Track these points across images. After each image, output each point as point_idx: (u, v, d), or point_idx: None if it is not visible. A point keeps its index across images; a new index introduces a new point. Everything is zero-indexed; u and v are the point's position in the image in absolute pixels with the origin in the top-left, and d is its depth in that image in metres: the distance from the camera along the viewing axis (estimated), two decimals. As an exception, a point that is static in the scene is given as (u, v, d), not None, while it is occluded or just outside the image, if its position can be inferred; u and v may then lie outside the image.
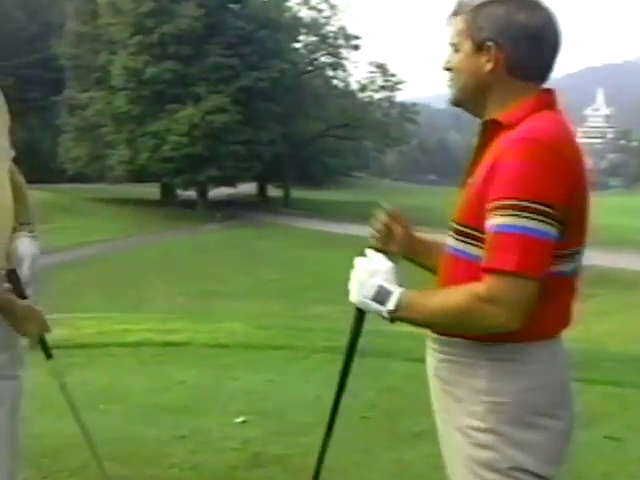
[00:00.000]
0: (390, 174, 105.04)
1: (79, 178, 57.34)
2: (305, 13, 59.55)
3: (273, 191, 61.56)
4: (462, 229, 1.94)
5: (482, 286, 1.80)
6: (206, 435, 4.78)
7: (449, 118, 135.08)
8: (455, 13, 2.05)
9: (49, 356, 2.62)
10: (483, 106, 2.01)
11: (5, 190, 2.55)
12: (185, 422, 5.01)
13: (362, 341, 2.26)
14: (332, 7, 58.89)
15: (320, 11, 59.14)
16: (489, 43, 1.95)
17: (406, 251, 2.32)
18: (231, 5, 51.41)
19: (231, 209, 52.95)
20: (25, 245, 2.68)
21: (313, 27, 58.97)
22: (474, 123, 2.07)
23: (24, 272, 2.63)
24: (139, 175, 51.51)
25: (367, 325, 2.19)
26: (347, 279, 2.07)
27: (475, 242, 1.89)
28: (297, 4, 59.25)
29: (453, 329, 1.94)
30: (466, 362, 1.95)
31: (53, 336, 7.79)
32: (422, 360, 2.13)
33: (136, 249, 38.62)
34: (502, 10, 1.94)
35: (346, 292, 2.03)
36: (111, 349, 7.10)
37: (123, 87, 48.14)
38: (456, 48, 2.03)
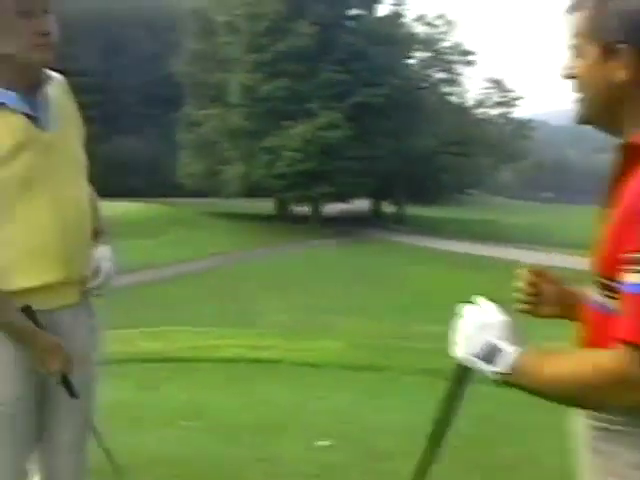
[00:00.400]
0: (504, 191, 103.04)
1: (197, 193, 58.69)
2: (420, 29, 59.29)
3: (387, 207, 61.32)
4: (601, 280, 1.59)
5: (616, 360, 1.46)
6: (286, 458, 4.58)
7: (568, 135, 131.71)
8: (573, 9, 1.65)
9: (72, 395, 2.46)
10: (618, 123, 1.62)
11: (83, 195, 2.58)
12: (266, 443, 4.83)
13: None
14: (448, 23, 58.44)
15: (435, 27, 58.73)
16: (621, 46, 1.56)
17: (560, 310, 1.94)
18: (346, 22, 51.63)
19: (344, 225, 53.00)
20: (103, 255, 2.65)
21: (428, 43, 58.59)
22: (595, 140, 1.70)
23: (97, 283, 2.59)
24: (254, 190, 52.20)
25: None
26: (453, 297, 1.75)
27: (612, 293, 1.54)
28: (413, 20, 59.08)
29: (577, 406, 1.63)
30: (626, 431, 1.59)
31: (147, 348, 7.85)
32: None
33: (249, 263, 39.03)
34: (635, 3, 1.55)
35: (452, 311, 1.71)
36: (201, 364, 7.01)
37: (238, 104, 48.96)
38: (577, 52, 1.64)
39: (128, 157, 69.94)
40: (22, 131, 2.37)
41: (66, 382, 2.47)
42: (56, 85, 2.56)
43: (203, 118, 52.59)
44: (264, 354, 7.43)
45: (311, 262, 39.15)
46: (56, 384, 2.46)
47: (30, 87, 2.42)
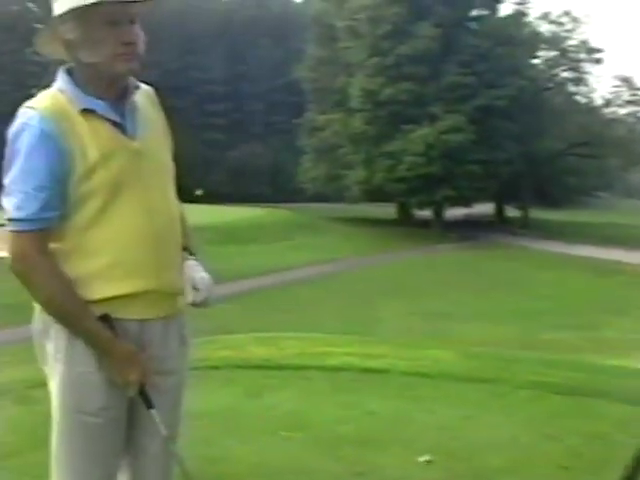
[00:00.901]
0: (636, 194, 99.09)
1: (319, 197, 59.25)
2: (545, 28, 57.79)
3: (511, 211, 60.09)
4: None
5: None
6: (385, 474, 4.43)
7: None
8: None
9: (149, 407, 2.42)
10: None
11: (173, 203, 2.57)
12: (366, 457, 4.69)
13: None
14: (574, 20, 56.69)
15: (561, 25, 57.09)
16: None
17: None
18: (468, 23, 50.89)
19: (467, 229, 52.30)
20: (197, 268, 2.62)
21: (553, 42, 57.02)
22: None
23: (200, 298, 2.57)
24: (375, 195, 52.20)
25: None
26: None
27: None
28: (537, 19, 57.68)
29: None
30: None
31: (256, 354, 7.83)
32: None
33: (371, 268, 39.00)
34: None
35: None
36: (308, 372, 6.92)
37: (360, 109, 49.05)
38: None
39: (254, 163, 71.26)
40: (110, 139, 2.37)
41: (143, 393, 2.43)
42: (144, 95, 2.57)
43: (325, 123, 53.03)
44: (373, 363, 7.28)
45: (433, 267, 38.78)
46: (132, 395, 2.43)
47: (118, 96, 2.43)
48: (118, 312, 2.38)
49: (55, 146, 2.28)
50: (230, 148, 72.30)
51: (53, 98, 2.37)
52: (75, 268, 2.35)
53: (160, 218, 2.45)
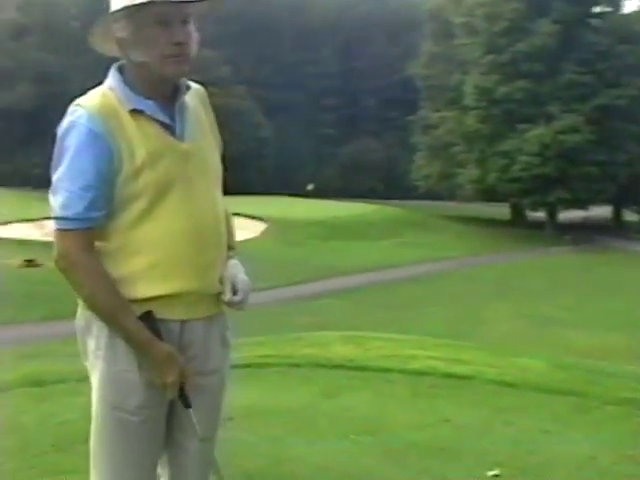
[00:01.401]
0: None
1: (431, 195, 58.89)
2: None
3: (630, 215, 58.05)
4: None
5: None
6: (450, 486, 4.28)
7: None
8: None
9: (187, 406, 2.41)
10: None
11: (219, 205, 2.56)
12: (432, 467, 4.54)
13: None
14: None
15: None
16: None
17: None
18: (589, 20, 49.37)
19: (582, 232, 50.80)
20: (238, 269, 2.59)
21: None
22: None
23: (238, 299, 2.53)
24: (488, 194, 51.47)
25: None
26: None
27: None
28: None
29: None
30: None
31: (339, 354, 7.76)
32: None
33: (481, 268, 38.37)
34: None
35: None
36: (390, 375, 6.79)
37: (474, 106, 48.38)
38: None
39: (366, 159, 71.34)
40: (158, 139, 2.37)
41: (181, 393, 2.43)
42: (195, 95, 2.55)
43: (439, 121, 52.58)
44: (458, 368, 7.09)
45: (545, 270, 37.82)
46: (171, 396, 2.42)
47: (167, 97, 2.42)
48: (160, 312, 2.38)
49: (103, 145, 2.29)
50: (343, 144, 72.61)
51: (102, 96, 2.36)
52: (118, 268, 2.36)
53: (204, 220, 2.44)
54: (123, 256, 2.36)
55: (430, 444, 4.96)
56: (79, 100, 2.36)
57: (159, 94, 2.40)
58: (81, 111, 2.32)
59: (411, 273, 34.92)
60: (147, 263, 2.36)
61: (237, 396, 6.08)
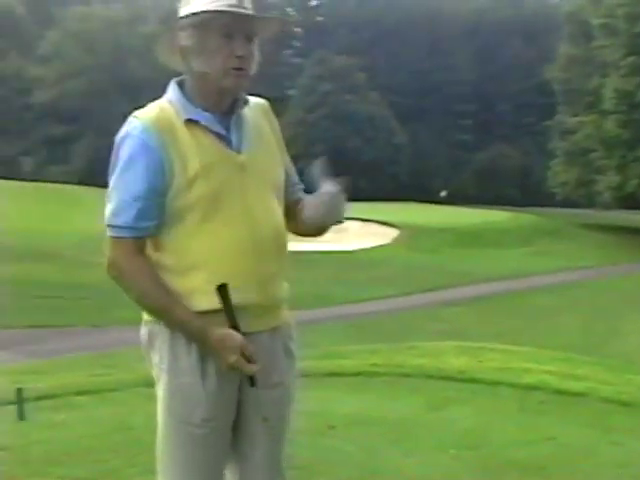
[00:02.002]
0: None
1: (568, 203, 57.25)
2: None
3: None
4: None
5: None
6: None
7: None
8: None
9: (253, 384, 2.42)
10: None
11: (278, 217, 2.54)
12: (530, 486, 4.45)
13: None
14: None
15: None
16: None
17: None
18: None
19: None
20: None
21: None
22: None
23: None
24: (628, 202, 49.57)
25: None
26: None
27: None
28: None
29: None
30: None
31: (451, 365, 7.68)
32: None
33: (619, 278, 37.00)
34: None
35: None
36: (500, 388, 6.69)
37: (614, 111, 46.64)
38: None
39: (501, 165, 70.14)
40: (213, 150, 2.40)
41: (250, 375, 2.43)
42: (256, 108, 2.57)
43: (577, 126, 51.01)
44: (572, 384, 6.89)
45: (688, 282, 36.10)
46: (237, 374, 2.42)
47: (226, 110, 2.46)
48: (222, 325, 2.39)
49: (155, 157, 2.34)
50: (477, 150, 71.62)
51: (160, 109, 2.42)
52: (177, 282, 2.39)
53: (262, 231, 2.43)
54: (181, 270, 2.39)
55: (531, 462, 4.86)
56: (137, 112, 2.43)
57: (217, 106, 2.43)
58: (136, 123, 2.38)
59: (545, 282, 34.07)
60: (205, 277, 2.37)
61: (342, 404, 6.17)
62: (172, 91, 2.47)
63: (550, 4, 74.94)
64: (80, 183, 57.32)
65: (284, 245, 2.55)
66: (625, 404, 6.31)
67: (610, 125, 47.11)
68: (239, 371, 2.39)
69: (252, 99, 2.57)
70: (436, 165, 68.85)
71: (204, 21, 2.35)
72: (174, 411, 2.45)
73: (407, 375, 7.10)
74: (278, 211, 2.54)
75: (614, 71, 46.69)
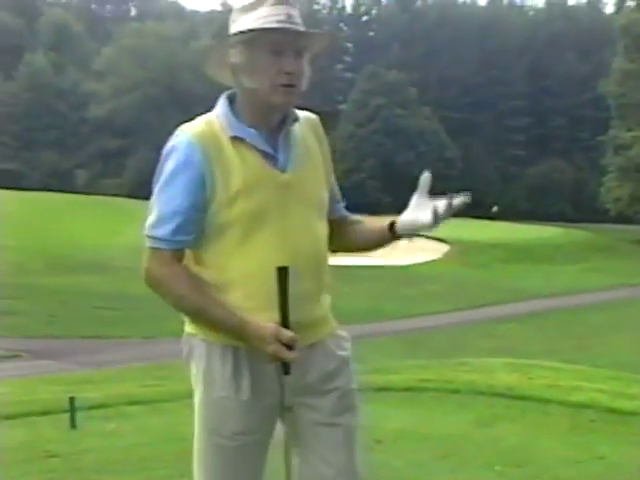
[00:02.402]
0: None
1: (621, 218, 56.45)
2: None
3: None
4: None
5: None
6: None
7: None
8: None
9: (286, 373, 2.40)
10: None
11: (319, 237, 2.52)
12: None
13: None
14: None
15: None
16: None
17: None
18: None
19: None
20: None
21: None
22: None
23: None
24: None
25: None
26: None
27: None
28: None
29: None
30: None
31: (501, 381, 7.62)
32: None
33: (672, 296, 36.36)
34: None
35: None
36: (550, 406, 6.62)
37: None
38: None
39: (554, 180, 69.48)
40: (257, 168, 2.39)
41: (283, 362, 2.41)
42: (306, 124, 2.56)
43: (631, 140, 50.34)
44: (623, 403, 6.79)
45: None
46: (273, 363, 2.40)
47: (274, 126, 2.46)
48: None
49: (197, 173, 2.35)
50: (530, 164, 71.02)
51: (207, 123, 2.43)
52: (218, 292, 2.40)
53: (301, 252, 2.43)
54: (219, 286, 2.40)
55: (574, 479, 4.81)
56: (184, 125, 2.44)
57: (265, 123, 2.43)
58: (182, 137, 2.39)
59: (598, 299, 33.59)
60: (242, 295, 2.39)
61: (390, 419, 6.17)
62: (221, 106, 2.47)
63: (604, 18, 74.07)
64: (131, 196, 58.15)
65: (323, 265, 2.53)
66: (678, 424, 6.20)
67: (665, 140, 46.47)
68: (280, 360, 2.36)
69: (302, 114, 2.56)
70: (488, 180, 68.40)
71: (253, 38, 2.35)
72: (207, 423, 2.47)
73: (456, 391, 7.07)
74: (320, 230, 2.52)
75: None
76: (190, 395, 6.96)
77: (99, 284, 26.72)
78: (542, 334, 24.78)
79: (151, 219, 2.42)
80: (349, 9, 79.43)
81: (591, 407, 6.60)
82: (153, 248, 2.42)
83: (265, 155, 2.41)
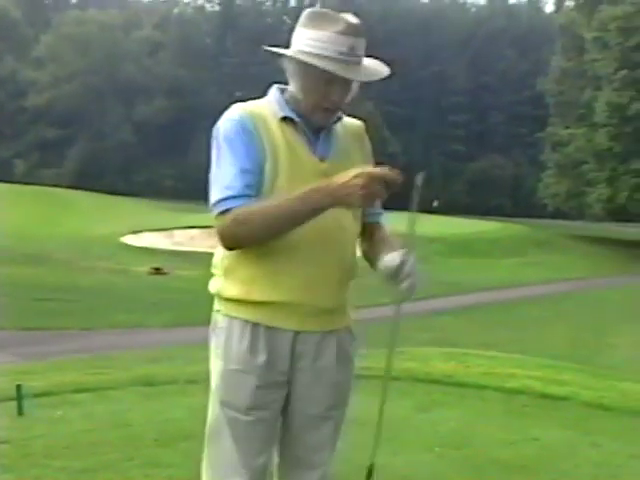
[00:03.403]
0: None
1: (559, 214, 57.57)
2: None
3: None
4: None
5: None
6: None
7: None
8: None
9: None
10: None
11: (350, 227, 2.62)
12: (511, 484, 4.65)
13: None
14: None
15: None
16: None
17: None
18: None
19: None
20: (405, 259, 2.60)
21: None
22: None
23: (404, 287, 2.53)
24: (618, 214, 49.90)
25: None
26: None
27: None
28: None
29: None
30: None
31: (438, 369, 7.83)
32: None
33: (609, 290, 37.16)
34: None
35: None
36: (486, 392, 6.88)
37: (605, 124, 47.01)
38: None
39: (494, 176, 70.60)
40: (300, 151, 2.49)
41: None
42: (349, 128, 2.66)
43: (568, 138, 51.36)
44: (555, 389, 7.09)
45: (679, 294, 36.29)
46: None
47: (314, 129, 2.56)
48: (272, 320, 2.50)
49: (252, 139, 2.44)
50: (470, 160, 72.07)
51: (257, 105, 2.54)
52: (245, 268, 2.50)
53: (327, 237, 2.50)
54: (250, 257, 2.49)
55: (513, 461, 5.05)
56: (236, 104, 2.55)
57: (308, 119, 2.52)
58: (235, 111, 2.50)
59: (535, 293, 34.22)
60: (265, 268, 2.48)
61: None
62: (272, 94, 2.57)
63: (544, 16, 75.43)
64: (71, 186, 57.40)
65: (348, 256, 2.60)
66: (606, 408, 6.51)
67: (601, 138, 47.48)
68: (381, 196, 2.35)
69: (347, 119, 2.64)
70: (428, 175, 68.84)
71: (308, 64, 2.42)
72: (222, 396, 2.58)
73: (397, 378, 7.24)
74: (349, 224, 2.59)
75: (606, 84, 47.12)
76: (133, 383, 7.06)
77: (39, 275, 26.38)
78: (478, 326, 25.17)
79: (219, 187, 2.43)
80: (293, 2, 79.52)
81: (525, 393, 6.87)
82: (227, 210, 2.41)
83: (309, 142, 2.52)
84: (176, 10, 78.98)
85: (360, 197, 2.28)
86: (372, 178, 2.29)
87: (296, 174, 2.45)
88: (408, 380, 7.28)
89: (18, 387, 6.07)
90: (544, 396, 6.78)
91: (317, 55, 2.40)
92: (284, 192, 2.40)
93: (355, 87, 2.54)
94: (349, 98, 2.53)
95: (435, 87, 71.07)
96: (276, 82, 2.62)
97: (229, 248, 2.46)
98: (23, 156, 68.76)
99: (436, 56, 71.58)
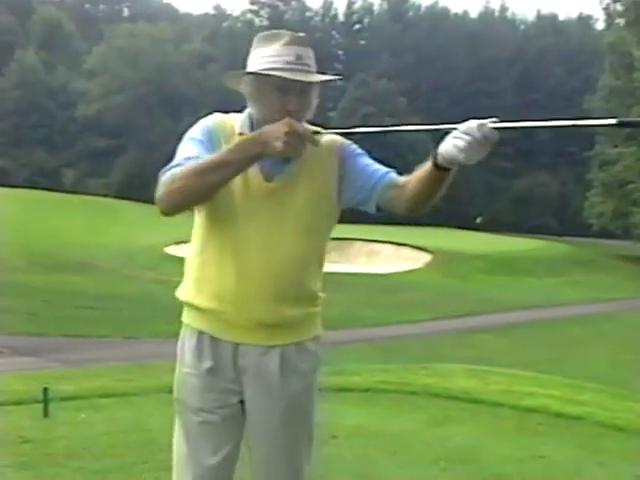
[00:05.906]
0: None
1: (604, 234, 56.87)
2: None
3: None
4: None
5: None
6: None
7: None
8: None
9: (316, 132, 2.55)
10: None
11: (299, 249, 2.66)
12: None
13: None
14: None
15: None
16: None
17: None
18: None
19: None
20: None
21: None
22: None
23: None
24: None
25: None
26: None
27: None
28: None
29: None
30: None
31: (457, 385, 7.96)
32: None
33: (651, 312, 36.71)
34: None
35: None
36: (501, 410, 6.98)
37: (654, 143, 46.48)
38: None
39: (539, 194, 69.93)
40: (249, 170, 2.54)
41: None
42: (323, 146, 2.61)
43: (616, 157, 50.79)
44: (570, 409, 7.14)
45: None
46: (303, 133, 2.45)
47: None
48: (213, 331, 2.65)
49: (212, 145, 2.58)
50: (516, 177, 71.50)
51: (231, 118, 2.71)
52: (193, 270, 2.69)
53: (263, 256, 2.57)
54: (196, 262, 2.68)
55: (515, 477, 5.14)
56: (216, 113, 2.73)
57: None
58: (210, 117, 2.70)
59: (577, 313, 33.86)
60: (196, 274, 2.67)
61: (347, 417, 6.49)
62: (246, 110, 2.70)
63: (594, 34, 74.76)
64: (118, 196, 58.25)
65: (289, 277, 2.61)
66: (619, 429, 6.55)
67: (652, 156, 46.93)
68: (301, 143, 2.42)
69: (325, 138, 2.61)
70: (473, 191, 68.79)
71: (261, 76, 2.55)
72: (178, 396, 2.77)
73: (414, 393, 7.39)
74: (297, 244, 2.61)
75: (654, 103, 46.59)
76: (159, 390, 7.27)
77: (83, 283, 26.88)
78: (518, 345, 25.02)
79: (166, 169, 2.55)
80: (341, 17, 79.87)
81: (540, 411, 6.94)
82: (162, 175, 2.51)
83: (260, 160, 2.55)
84: (225, 24, 79.77)
85: (283, 144, 2.37)
86: (294, 131, 2.40)
87: (236, 191, 2.55)
88: (425, 395, 7.41)
89: (45, 390, 6.33)
90: (559, 415, 6.85)
91: (266, 68, 2.53)
92: (226, 208, 2.54)
93: (314, 101, 2.60)
94: (309, 112, 2.59)
95: (483, 103, 70.72)
96: None
97: (167, 211, 2.51)
98: (72, 165, 69.99)
99: (484, 72, 71.34)
